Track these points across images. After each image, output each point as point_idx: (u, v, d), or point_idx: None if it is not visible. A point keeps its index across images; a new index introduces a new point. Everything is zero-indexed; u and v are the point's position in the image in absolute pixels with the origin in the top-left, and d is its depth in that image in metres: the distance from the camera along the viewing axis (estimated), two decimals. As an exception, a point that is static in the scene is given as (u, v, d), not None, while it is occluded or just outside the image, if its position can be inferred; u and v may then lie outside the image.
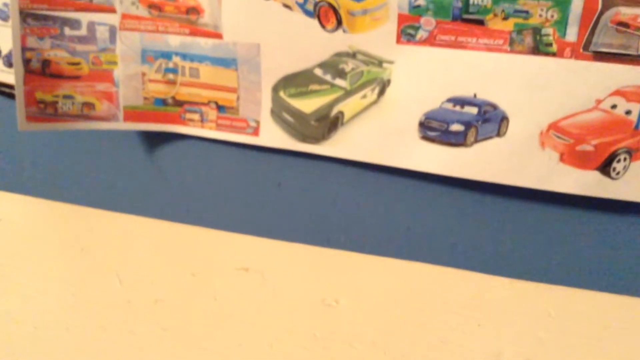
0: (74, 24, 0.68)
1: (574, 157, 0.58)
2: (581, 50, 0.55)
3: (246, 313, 0.65)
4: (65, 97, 0.70)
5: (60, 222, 0.79)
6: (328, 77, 0.65)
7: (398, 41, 0.61)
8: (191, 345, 0.61)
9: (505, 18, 0.57)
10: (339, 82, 0.64)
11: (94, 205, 0.79)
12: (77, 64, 0.69)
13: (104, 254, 0.75)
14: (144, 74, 0.70)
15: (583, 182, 0.59)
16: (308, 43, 0.64)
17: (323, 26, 0.63)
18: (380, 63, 0.62)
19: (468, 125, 0.61)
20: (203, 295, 0.68)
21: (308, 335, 0.62)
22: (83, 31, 0.69)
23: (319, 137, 0.67)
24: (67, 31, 0.68)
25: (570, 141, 0.58)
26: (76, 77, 0.70)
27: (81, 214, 0.78)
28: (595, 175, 0.58)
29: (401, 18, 0.60)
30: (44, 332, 0.63)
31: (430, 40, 0.60)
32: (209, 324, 0.64)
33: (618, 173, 0.58)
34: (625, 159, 0.57)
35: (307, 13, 0.63)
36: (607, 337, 0.60)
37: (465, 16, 0.58)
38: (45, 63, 0.69)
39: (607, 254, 0.62)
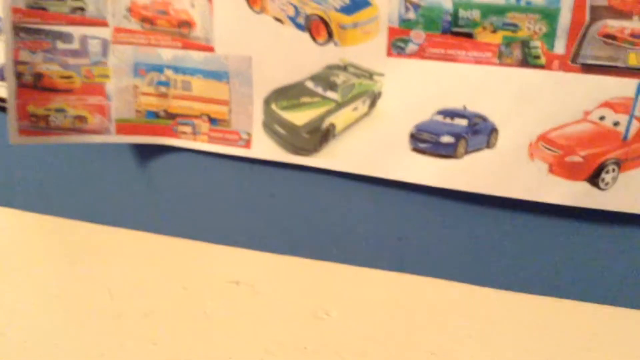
0: (67, 37, 0.68)
1: (563, 168, 0.59)
2: (569, 62, 0.56)
3: (237, 326, 0.65)
4: (57, 110, 0.70)
5: (51, 236, 0.79)
6: (319, 90, 0.65)
7: (389, 54, 0.61)
8: (182, 358, 0.61)
9: (494, 31, 0.57)
10: (330, 94, 0.65)
11: (84, 219, 0.78)
12: (69, 77, 0.70)
13: (94, 268, 0.74)
14: (136, 87, 0.71)
15: (572, 193, 0.59)
16: (299, 56, 0.64)
17: (314, 39, 0.63)
18: (371, 75, 0.63)
19: (458, 137, 0.61)
20: (194, 308, 0.67)
21: (299, 347, 0.62)
22: (75, 45, 0.69)
23: (311, 149, 0.67)
24: (60, 45, 0.69)
25: (559, 152, 0.58)
26: (68, 91, 0.70)
27: (72, 228, 0.78)
28: (584, 186, 0.59)
29: (391, 31, 0.60)
30: (33, 346, 0.63)
31: (420, 53, 0.60)
32: (200, 337, 0.63)
33: (607, 184, 0.58)
34: (613, 170, 0.58)
35: (298, 26, 0.63)
36: (596, 347, 0.60)
37: (455, 29, 0.58)
38: (38, 76, 0.69)
39: (596, 265, 0.63)
